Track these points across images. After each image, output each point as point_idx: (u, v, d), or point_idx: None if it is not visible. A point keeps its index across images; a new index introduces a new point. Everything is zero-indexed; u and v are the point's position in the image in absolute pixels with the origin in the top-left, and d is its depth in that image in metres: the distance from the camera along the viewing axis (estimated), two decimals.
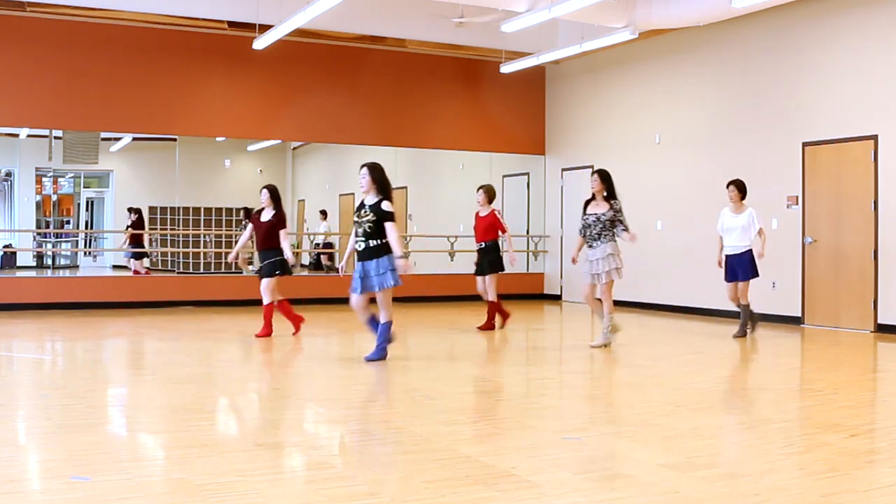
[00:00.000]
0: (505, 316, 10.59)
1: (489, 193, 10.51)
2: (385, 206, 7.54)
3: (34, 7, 11.87)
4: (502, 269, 10.44)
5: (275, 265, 9.30)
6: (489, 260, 10.36)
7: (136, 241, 16.06)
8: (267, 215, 9.36)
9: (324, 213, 19.57)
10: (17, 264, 19.03)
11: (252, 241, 9.76)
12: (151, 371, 7.86)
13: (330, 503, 3.70)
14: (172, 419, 5.61)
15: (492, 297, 10.41)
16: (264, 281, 9.33)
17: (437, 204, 18.20)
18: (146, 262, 16.43)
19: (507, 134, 15.90)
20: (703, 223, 12.80)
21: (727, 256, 9.78)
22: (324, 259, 19.39)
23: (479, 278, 10.48)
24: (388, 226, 7.51)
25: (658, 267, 13.55)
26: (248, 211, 15.38)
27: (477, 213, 10.57)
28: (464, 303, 14.12)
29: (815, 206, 11.23)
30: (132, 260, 15.87)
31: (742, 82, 12.31)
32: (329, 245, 19.72)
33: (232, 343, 9.35)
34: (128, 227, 16.15)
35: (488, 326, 10.47)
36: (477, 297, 10.96)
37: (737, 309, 10.00)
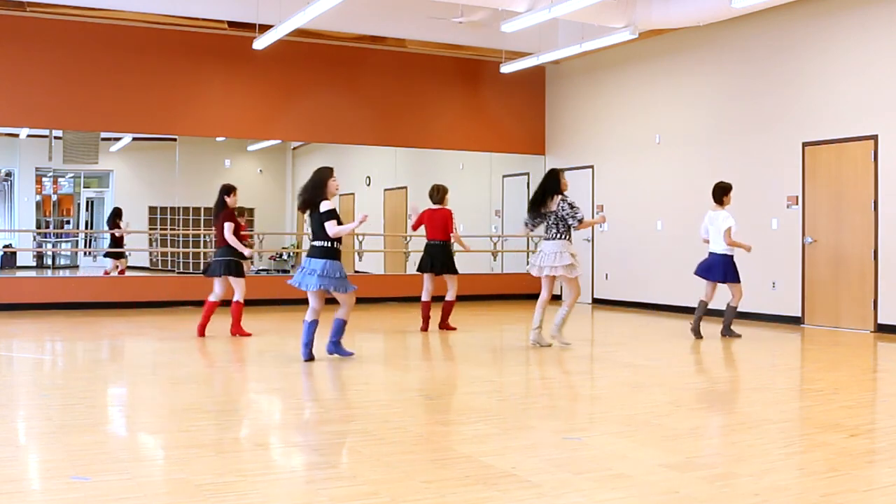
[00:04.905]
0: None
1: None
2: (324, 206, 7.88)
3: (34, 7, 11.87)
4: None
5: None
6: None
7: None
8: None
9: None
10: (17, 264, 19.02)
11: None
12: (152, 371, 7.85)
13: (330, 503, 3.71)
14: (172, 419, 5.61)
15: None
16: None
17: None
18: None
19: (506, 134, 15.89)
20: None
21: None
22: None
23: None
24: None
25: (658, 267, 13.55)
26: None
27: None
28: (463, 302, 14.08)
29: (815, 206, 11.23)
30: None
31: (742, 82, 12.31)
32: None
33: (231, 343, 9.34)
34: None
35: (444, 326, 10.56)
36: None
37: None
